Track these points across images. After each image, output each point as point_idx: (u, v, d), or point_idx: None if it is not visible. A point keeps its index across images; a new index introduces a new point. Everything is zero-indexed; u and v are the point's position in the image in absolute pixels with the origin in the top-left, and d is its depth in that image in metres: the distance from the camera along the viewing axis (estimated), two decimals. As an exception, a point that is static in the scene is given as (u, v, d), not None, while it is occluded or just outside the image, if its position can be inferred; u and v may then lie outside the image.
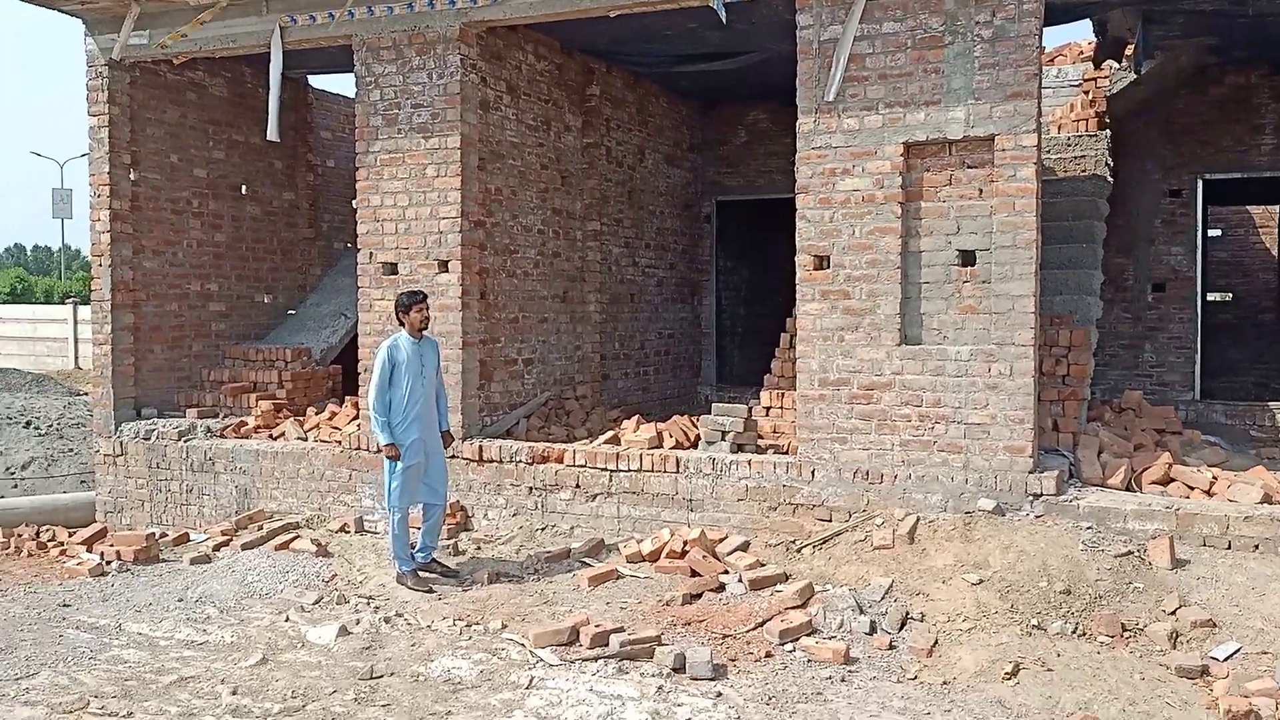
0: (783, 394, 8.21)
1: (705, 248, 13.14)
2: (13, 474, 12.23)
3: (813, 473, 7.32)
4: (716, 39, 9.37)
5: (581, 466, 8.00)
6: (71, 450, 12.91)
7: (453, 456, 8.07)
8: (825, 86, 7.25)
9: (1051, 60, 12.45)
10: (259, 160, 11.16)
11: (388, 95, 8.65)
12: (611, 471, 7.90)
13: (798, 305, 7.49)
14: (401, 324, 7.25)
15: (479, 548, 7.87)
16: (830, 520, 7.20)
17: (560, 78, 10.17)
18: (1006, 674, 5.24)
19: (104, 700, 5.22)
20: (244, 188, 11.03)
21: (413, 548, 7.22)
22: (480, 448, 8.38)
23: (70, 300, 24.47)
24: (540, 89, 9.85)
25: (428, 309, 7.29)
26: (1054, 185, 9.86)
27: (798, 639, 5.72)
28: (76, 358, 22.14)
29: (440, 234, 8.52)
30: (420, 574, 7.11)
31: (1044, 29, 7.03)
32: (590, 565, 7.23)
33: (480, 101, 8.78)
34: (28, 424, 13.84)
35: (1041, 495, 6.74)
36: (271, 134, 9.20)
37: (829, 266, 7.31)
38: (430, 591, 6.91)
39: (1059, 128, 11.30)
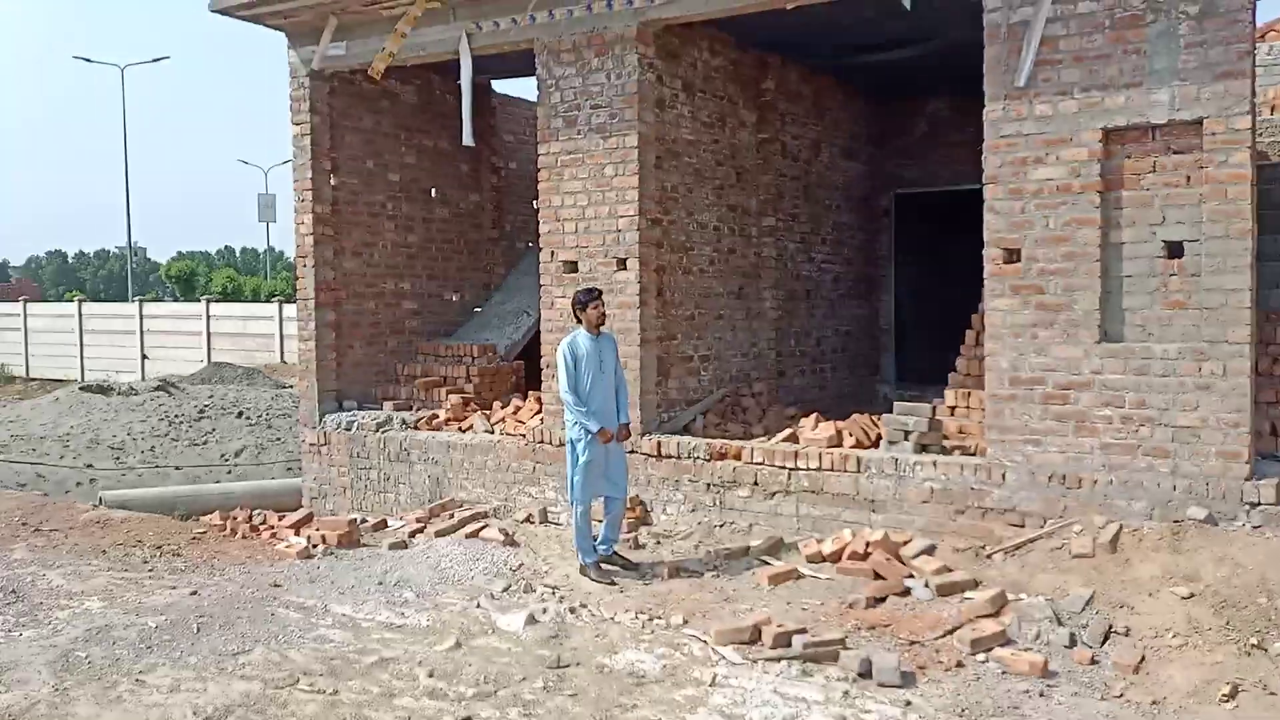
0: (969, 393, 7.93)
1: (883, 242, 12.84)
2: (227, 460, 13.21)
3: (1003, 475, 7.04)
4: (896, 27, 9.14)
5: (759, 464, 7.97)
6: (278, 439, 13.84)
7: (631, 451, 8.19)
8: (1015, 71, 6.95)
9: (1263, 36, 11.52)
10: (447, 164, 11.62)
11: (567, 97, 8.84)
12: (790, 470, 7.83)
13: (985, 301, 7.22)
14: (579, 320, 7.40)
15: (658, 542, 7.96)
16: (1023, 526, 6.91)
17: (735, 73, 10.15)
18: (1224, 696, 4.90)
19: (312, 678, 5.54)
20: (433, 191, 11.50)
21: (595, 540, 7.37)
22: (658, 443, 8.47)
23: (276, 299, 26.12)
24: (715, 85, 9.85)
25: (604, 305, 7.41)
26: (1269, 171, 9.12)
27: (990, 649, 5.52)
28: (282, 353, 23.66)
29: (619, 232, 8.65)
30: (602, 566, 7.25)
31: (1256, 1, 6.52)
32: (770, 564, 7.20)
33: (657, 100, 8.85)
34: (240, 414, 14.92)
35: (1259, 504, 6.26)
36: (467, 139, 9.55)
37: (1020, 260, 7.01)
38: (612, 584, 7.03)
39: (1272, 109, 10.45)
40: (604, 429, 7.18)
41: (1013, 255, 7.04)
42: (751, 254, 10.43)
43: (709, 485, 8.21)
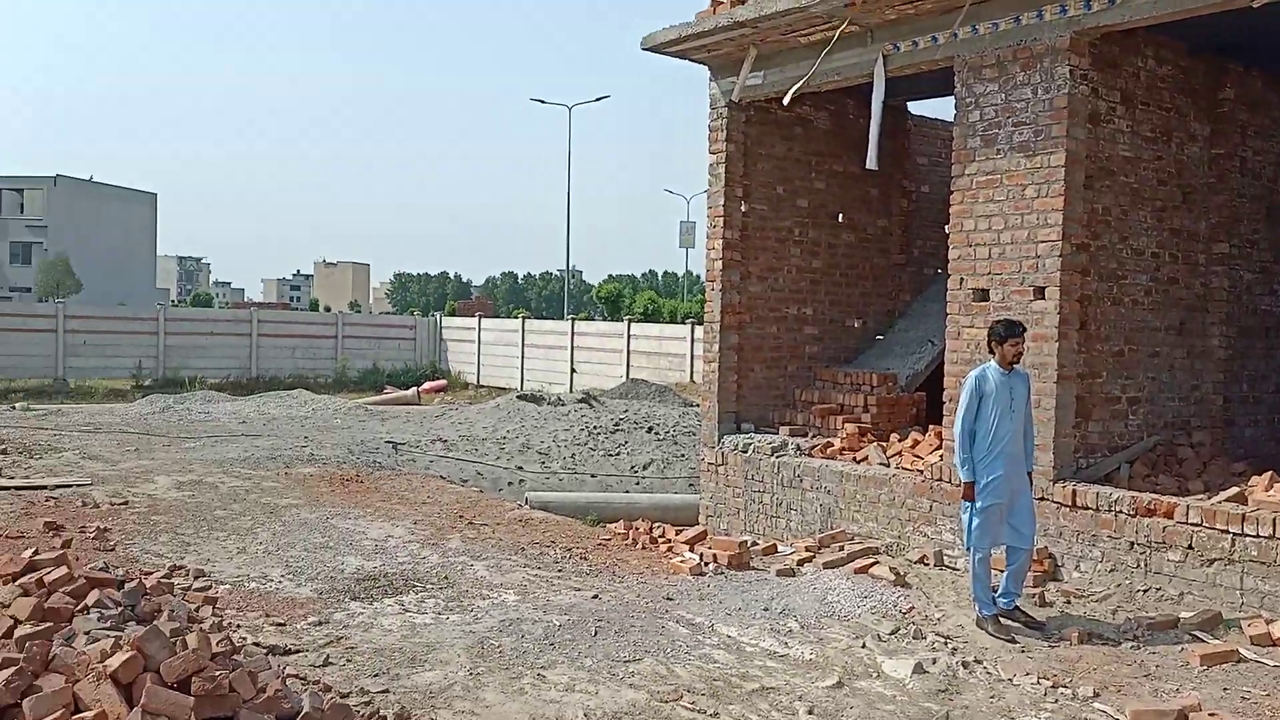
0: None
1: (1372, 272, 10.81)
2: (636, 472, 13.98)
3: None
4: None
5: (1196, 525, 6.97)
6: (683, 455, 14.43)
7: (1041, 499, 7.53)
8: None
9: None
10: (856, 188, 11.48)
11: (987, 115, 8.36)
12: (1235, 535, 6.77)
13: None
14: (992, 354, 6.92)
15: (1068, 601, 7.23)
16: None
17: (1185, 82, 9.04)
18: None
19: (694, 696, 5.61)
20: (841, 216, 11.42)
21: (994, 591, 6.84)
22: (1073, 492, 7.70)
23: (689, 321, 27.41)
24: (1160, 96, 8.84)
25: (1024, 343, 6.89)
26: None
27: None
28: (691, 372, 24.75)
29: (1037, 258, 8.01)
30: (1002, 621, 6.71)
31: None
32: (1203, 640, 6.27)
33: (1090, 114, 8.12)
34: (650, 429, 15.78)
35: None
36: (871, 163, 9.39)
37: None
38: (1012, 641, 6.48)
39: None
40: (970, 484, 6.67)
41: None
42: (1197, 284, 9.22)
43: (1132, 544, 7.32)
